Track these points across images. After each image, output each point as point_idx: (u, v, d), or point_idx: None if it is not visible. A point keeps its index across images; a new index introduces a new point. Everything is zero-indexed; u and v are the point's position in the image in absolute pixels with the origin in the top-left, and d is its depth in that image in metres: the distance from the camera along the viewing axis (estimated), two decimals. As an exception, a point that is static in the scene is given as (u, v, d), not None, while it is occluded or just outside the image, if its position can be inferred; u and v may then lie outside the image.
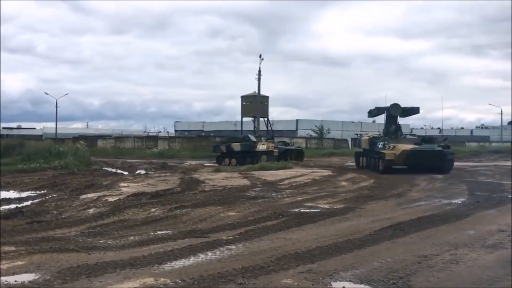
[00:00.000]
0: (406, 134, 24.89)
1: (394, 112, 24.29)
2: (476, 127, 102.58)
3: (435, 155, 21.42)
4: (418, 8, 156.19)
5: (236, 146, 33.52)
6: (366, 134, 27.56)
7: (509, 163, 27.87)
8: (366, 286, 5.52)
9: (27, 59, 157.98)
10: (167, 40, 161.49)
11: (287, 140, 40.04)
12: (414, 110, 26.04)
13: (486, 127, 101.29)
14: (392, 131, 23.50)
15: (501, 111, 75.09)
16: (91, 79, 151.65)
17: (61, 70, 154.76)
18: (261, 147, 32.56)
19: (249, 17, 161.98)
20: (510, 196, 13.74)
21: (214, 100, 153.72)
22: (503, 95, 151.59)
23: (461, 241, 7.81)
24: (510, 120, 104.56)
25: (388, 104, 25.46)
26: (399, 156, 21.23)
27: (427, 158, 21.34)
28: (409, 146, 21.56)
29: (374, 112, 26.38)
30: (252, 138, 34.39)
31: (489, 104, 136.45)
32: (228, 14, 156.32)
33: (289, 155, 31.87)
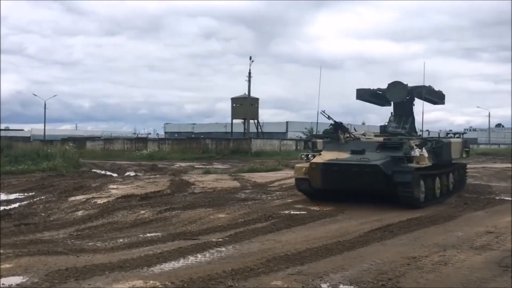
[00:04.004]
0: (364, 133, 14.11)
1: (392, 96, 15.16)
2: (465, 129, 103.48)
3: (366, 173, 11.45)
4: (411, 12, 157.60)
5: None
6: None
7: (496, 165, 28.13)
8: (355, 288, 5.54)
9: (17, 60, 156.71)
10: (160, 42, 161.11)
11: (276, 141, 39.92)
12: (435, 96, 16.10)
13: (474, 130, 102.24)
14: (333, 130, 13.08)
15: (489, 114, 75.87)
16: (81, 81, 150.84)
17: (52, 71, 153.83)
18: None
19: (242, 19, 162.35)
20: (497, 198, 13.87)
21: (205, 102, 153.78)
22: (492, 98, 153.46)
23: (450, 242, 7.87)
24: (498, 122, 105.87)
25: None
26: (312, 174, 12.05)
27: (354, 178, 11.56)
28: (329, 157, 12.10)
29: (363, 95, 16.29)
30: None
31: (477, 107, 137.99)
32: (221, 16, 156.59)
33: None
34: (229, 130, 58.02)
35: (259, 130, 51.58)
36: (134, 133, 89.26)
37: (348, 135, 13.04)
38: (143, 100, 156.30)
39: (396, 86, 15.08)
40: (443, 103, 16.92)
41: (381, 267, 6.31)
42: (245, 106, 50.11)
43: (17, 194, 14.89)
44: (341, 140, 12.56)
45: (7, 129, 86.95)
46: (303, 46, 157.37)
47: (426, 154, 12.12)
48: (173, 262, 6.62)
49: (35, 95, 70.74)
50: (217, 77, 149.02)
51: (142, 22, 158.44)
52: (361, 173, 11.42)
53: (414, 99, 15.30)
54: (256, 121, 52.21)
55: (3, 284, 5.56)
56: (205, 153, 44.49)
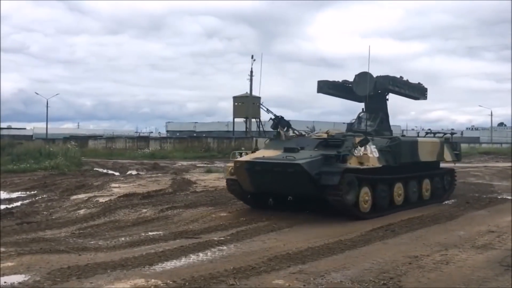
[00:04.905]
0: (327, 131, 11.38)
1: (358, 89, 13.32)
2: (467, 129, 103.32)
3: (290, 174, 9.68)
4: (414, 11, 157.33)
5: None
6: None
7: (498, 164, 28.09)
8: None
9: (19, 58, 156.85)
10: (162, 41, 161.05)
11: None
12: (411, 89, 14.30)
13: (476, 129, 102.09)
14: (273, 125, 11.63)
15: (491, 113, 75.65)
16: (83, 80, 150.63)
17: (54, 70, 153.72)
18: None
19: (245, 18, 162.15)
20: (499, 197, 13.86)
21: (207, 101, 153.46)
22: (494, 97, 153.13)
23: (451, 241, 7.87)
24: (500, 121, 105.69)
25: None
26: (238, 174, 10.55)
27: (279, 179, 9.98)
28: (256, 155, 10.75)
29: (323, 87, 14.49)
30: None
31: (479, 105, 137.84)
32: (224, 15, 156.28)
33: None
34: (230, 129, 58.02)
35: (261, 129, 51.55)
36: (136, 132, 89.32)
37: (295, 132, 11.58)
38: (145, 99, 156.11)
39: (363, 77, 13.23)
40: (424, 98, 14.92)
41: (382, 266, 6.32)
42: (247, 104, 50.07)
43: (19, 192, 14.93)
44: (282, 136, 11.12)
45: (9, 128, 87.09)
46: (305, 45, 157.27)
47: (375, 154, 10.57)
48: (175, 260, 6.63)
49: (37, 94, 70.83)
50: (219, 76, 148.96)
51: (144, 21, 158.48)
52: (284, 173, 9.70)
53: (388, 93, 13.70)
54: (258, 119, 52.19)
55: (5, 282, 5.58)
56: (207, 152, 44.45)
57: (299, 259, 6.64)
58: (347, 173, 9.59)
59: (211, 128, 75.46)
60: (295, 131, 11.64)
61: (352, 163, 9.87)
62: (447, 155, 13.49)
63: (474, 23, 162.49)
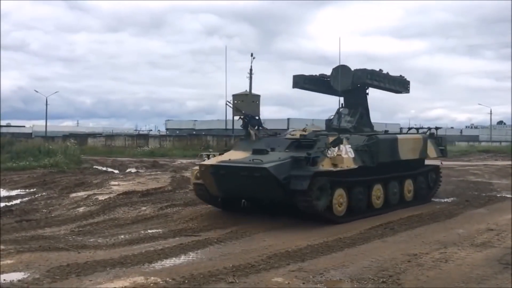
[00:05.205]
0: (304, 129, 10.58)
1: (336, 83, 12.71)
2: (466, 127, 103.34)
3: (256, 178, 8.93)
4: (414, 9, 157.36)
5: None
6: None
7: (498, 163, 28.10)
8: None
9: (19, 56, 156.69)
10: (162, 39, 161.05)
11: None
12: (391, 83, 13.68)
13: (476, 127, 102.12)
14: (243, 124, 10.81)
15: (491, 111, 75.60)
16: (83, 77, 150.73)
17: (54, 68, 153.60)
18: None
19: (245, 16, 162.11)
20: (498, 195, 13.86)
21: (207, 99, 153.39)
22: (493, 95, 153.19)
23: (450, 240, 7.87)
24: (499, 120, 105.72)
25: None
26: (204, 178, 9.84)
27: (246, 184, 9.21)
28: (223, 158, 9.93)
29: (299, 82, 13.88)
30: None
31: (479, 104, 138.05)
32: (224, 13, 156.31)
33: None
34: (230, 127, 57.99)
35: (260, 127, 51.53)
36: (136, 130, 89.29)
37: (266, 131, 10.96)
38: (145, 97, 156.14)
39: (340, 71, 12.58)
40: (406, 91, 14.32)
41: (381, 264, 6.32)
42: (247, 102, 50.04)
43: (19, 190, 14.91)
44: (252, 136, 10.34)
45: (8, 126, 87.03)
46: (305, 43, 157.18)
47: (350, 154, 9.86)
48: (174, 258, 6.64)
49: (37, 92, 70.61)
50: (219, 74, 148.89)
51: (144, 18, 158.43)
52: (251, 177, 8.88)
53: (368, 87, 13.07)
54: (257, 118, 52.22)
55: (4, 280, 5.58)
56: (206, 149, 44.45)
57: (298, 257, 6.65)
58: (318, 177, 8.89)
59: (211, 126, 75.36)
60: (267, 131, 11.02)
61: (325, 165, 9.17)
62: (432, 151, 12.69)
63: (474, 22, 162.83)
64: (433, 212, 10.73)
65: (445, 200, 12.87)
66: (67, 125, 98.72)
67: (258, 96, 53.03)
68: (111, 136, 56.32)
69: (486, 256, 6.81)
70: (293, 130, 10.79)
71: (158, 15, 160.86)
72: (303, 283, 5.53)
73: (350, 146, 9.99)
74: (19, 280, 5.58)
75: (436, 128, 13.68)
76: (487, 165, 25.61)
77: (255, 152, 9.50)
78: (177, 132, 71.87)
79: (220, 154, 10.30)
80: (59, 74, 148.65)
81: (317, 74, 13.80)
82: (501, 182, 17.03)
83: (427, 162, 13.02)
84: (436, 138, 13.25)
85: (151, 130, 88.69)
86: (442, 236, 8.18)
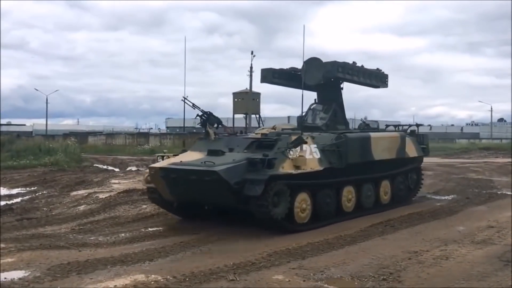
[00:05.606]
0: (274, 126, 10.23)
1: (307, 77, 11.43)
2: (467, 124, 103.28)
3: (206, 183, 8.05)
4: (415, 6, 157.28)
5: None
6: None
7: (498, 160, 28.10)
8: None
9: (19, 55, 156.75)
10: (162, 37, 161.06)
11: None
12: (367, 76, 12.70)
13: (476, 124, 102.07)
14: (202, 123, 10.11)
15: (491, 108, 75.51)
16: (83, 76, 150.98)
17: (54, 66, 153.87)
18: None
19: (245, 14, 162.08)
20: (499, 192, 13.86)
21: (207, 97, 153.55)
22: (494, 92, 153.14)
23: (451, 237, 7.88)
24: (500, 117, 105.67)
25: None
26: (155, 182, 9.06)
27: (197, 189, 8.40)
28: (174, 160, 9.16)
29: (267, 76, 12.75)
30: None
31: (479, 101, 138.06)
32: (224, 11, 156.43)
33: None
34: (230, 125, 58.04)
35: (261, 125, 51.54)
36: (136, 128, 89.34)
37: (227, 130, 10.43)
38: (145, 95, 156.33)
39: (311, 64, 11.75)
40: (385, 85, 13.37)
41: (382, 262, 6.32)
42: (247, 100, 50.04)
43: (19, 188, 14.91)
44: (211, 136, 9.63)
45: (9, 124, 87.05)
46: (306, 40, 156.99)
47: (315, 155, 9.05)
48: (174, 256, 6.65)
49: (37, 90, 70.66)
50: (219, 72, 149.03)
51: (144, 17, 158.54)
52: (201, 182, 8.05)
53: (342, 82, 12.20)
54: (257, 116, 52.18)
55: (5, 278, 5.58)
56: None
57: (299, 255, 6.65)
58: (276, 181, 7.99)
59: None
60: (226, 129, 10.43)
61: (286, 167, 8.30)
62: (411, 150, 11.81)
63: (475, 19, 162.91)
64: (434, 209, 10.73)
65: (446, 197, 12.87)
66: (67, 123, 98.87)
67: (258, 94, 53.01)
68: (111, 135, 56.33)
69: (487, 254, 6.81)
70: (262, 129, 10.18)
71: (158, 13, 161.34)
72: (304, 281, 5.54)
73: (316, 146, 9.16)
74: (20, 279, 5.58)
75: (417, 125, 12.99)
76: (487, 162, 25.60)
77: (210, 153, 8.71)
78: (178, 130, 71.84)
79: (174, 156, 9.56)
80: (59, 72, 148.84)
81: (288, 67, 12.90)
82: (502, 180, 17.02)
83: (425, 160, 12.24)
84: (417, 136, 12.54)
85: (152, 128, 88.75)
86: (443, 233, 8.18)
